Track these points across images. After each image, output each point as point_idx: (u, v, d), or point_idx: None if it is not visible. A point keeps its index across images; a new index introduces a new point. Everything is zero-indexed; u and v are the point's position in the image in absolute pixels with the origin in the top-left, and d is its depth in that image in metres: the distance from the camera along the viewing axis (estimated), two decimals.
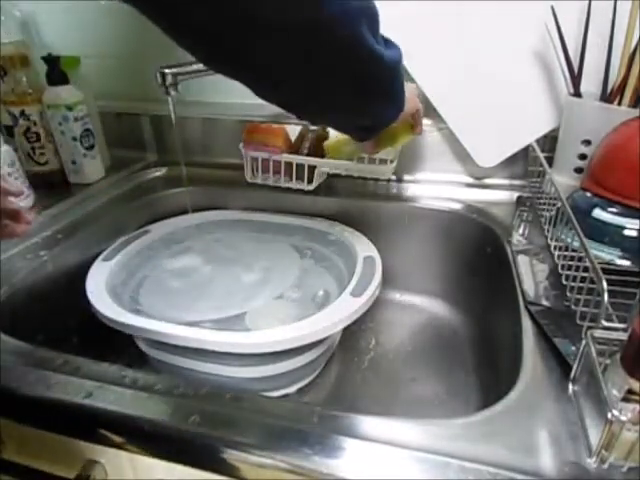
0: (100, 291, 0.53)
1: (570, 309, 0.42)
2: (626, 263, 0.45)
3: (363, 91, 0.40)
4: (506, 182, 0.71)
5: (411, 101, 0.56)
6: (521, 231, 0.60)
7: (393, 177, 0.73)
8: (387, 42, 0.39)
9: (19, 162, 0.67)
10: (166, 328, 0.48)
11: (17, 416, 0.40)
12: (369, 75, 0.38)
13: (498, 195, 0.69)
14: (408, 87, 0.50)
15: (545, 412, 0.35)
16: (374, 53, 0.36)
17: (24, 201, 0.64)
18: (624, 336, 0.33)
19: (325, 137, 0.72)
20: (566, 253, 0.47)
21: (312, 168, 0.69)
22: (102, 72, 0.83)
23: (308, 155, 0.69)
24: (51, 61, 0.69)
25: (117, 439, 0.37)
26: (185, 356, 0.52)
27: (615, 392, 0.31)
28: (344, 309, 0.48)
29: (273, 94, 0.38)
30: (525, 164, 0.68)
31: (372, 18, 0.35)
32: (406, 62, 0.64)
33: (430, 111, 0.68)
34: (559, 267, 0.47)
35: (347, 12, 0.32)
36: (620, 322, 0.36)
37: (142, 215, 0.73)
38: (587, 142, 0.55)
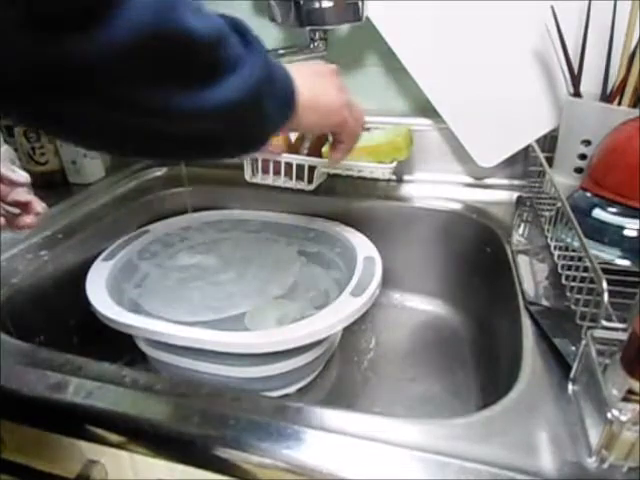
0: (100, 291, 0.53)
1: (570, 309, 0.42)
2: (626, 263, 0.45)
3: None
4: (506, 182, 0.71)
5: (331, 102, 0.43)
6: (521, 231, 0.60)
7: (393, 177, 0.73)
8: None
9: (19, 162, 0.67)
10: (166, 328, 0.48)
11: (17, 416, 0.40)
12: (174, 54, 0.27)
13: (498, 195, 0.69)
14: (326, 78, 0.43)
15: (545, 412, 0.35)
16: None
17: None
18: (624, 336, 0.33)
19: (325, 138, 0.72)
20: (566, 253, 0.47)
21: (312, 168, 0.69)
22: None
23: (308, 155, 0.69)
24: None
25: (117, 439, 0.37)
26: (185, 356, 0.52)
27: (615, 392, 0.31)
28: (344, 309, 0.48)
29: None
30: (525, 164, 0.68)
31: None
32: (406, 62, 0.65)
33: (430, 111, 0.68)
34: (559, 267, 0.47)
35: None
36: (620, 322, 0.36)
37: (142, 215, 0.73)
38: (587, 142, 0.55)
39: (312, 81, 0.41)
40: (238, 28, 0.32)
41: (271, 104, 0.34)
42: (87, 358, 0.42)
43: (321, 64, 0.47)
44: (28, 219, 0.47)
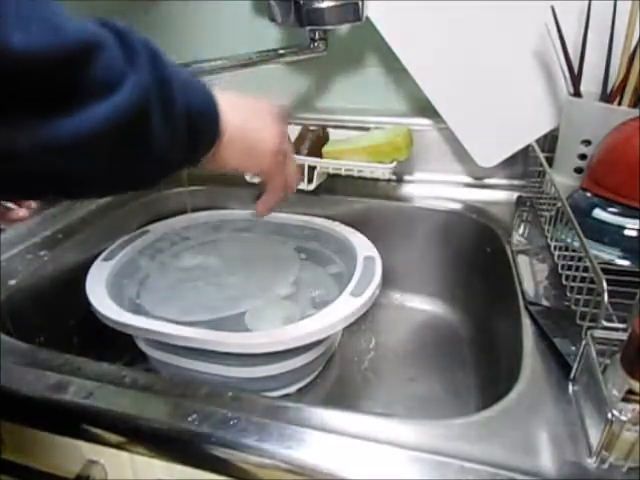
0: (100, 291, 0.53)
1: (570, 309, 0.42)
2: (626, 263, 0.45)
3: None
4: (506, 182, 0.71)
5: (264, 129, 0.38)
6: (521, 231, 0.60)
7: (393, 177, 0.73)
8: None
9: None
10: (166, 328, 0.48)
11: (17, 416, 0.40)
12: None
13: (498, 195, 0.69)
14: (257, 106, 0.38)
15: (545, 412, 0.35)
16: None
17: None
18: (624, 336, 0.33)
19: (326, 138, 0.72)
20: (566, 253, 0.47)
21: (312, 168, 0.69)
22: None
23: (308, 155, 0.69)
24: None
25: (117, 439, 0.37)
26: (185, 356, 0.52)
27: (615, 392, 0.31)
28: (344, 309, 0.48)
29: None
30: (525, 164, 0.68)
31: None
32: (406, 62, 0.65)
33: (430, 111, 0.68)
34: (559, 267, 0.47)
35: None
36: (620, 322, 0.36)
37: (142, 215, 0.73)
38: (587, 142, 0.55)
39: (247, 112, 0.37)
40: (121, 38, 0.27)
41: (169, 131, 0.29)
42: (87, 358, 0.42)
43: (270, 103, 0.41)
44: (21, 212, 0.48)
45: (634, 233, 0.45)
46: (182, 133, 0.30)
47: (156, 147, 0.29)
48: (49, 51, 0.23)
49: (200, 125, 0.32)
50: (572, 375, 0.38)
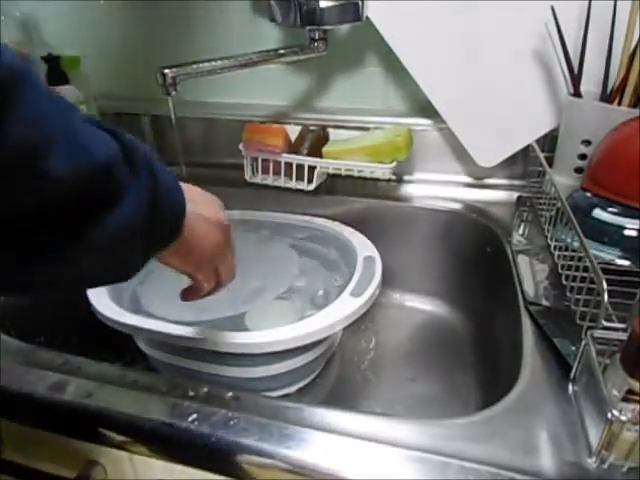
0: (100, 291, 0.53)
1: (570, 309, 0.42)
2: (626, 263, 0.45)
3: None
4: (506, 182, 0.71)
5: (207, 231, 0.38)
6: (521, 231, 0.60)
7: (393, 177, 0.73)
8: None
9: None
10: (166, 328, 0.48)
11: (17, 416, 0.40)
12: None
13: (498, 195, 0.69)
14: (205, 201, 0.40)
15: (545, 412, 0.35)
16: None
17: None
18: (624, 336, 0.33)
19: (326, 138, 0.72)
20: (566, 253, 0.47)
21: (312, 168, 0.69)
22: (102, 72, 0.83)
23: (308, 155, 0.69)
24: (51, 61, 0.69)
25: (117, 439, 0.37)
26: (185, 356, 0.52)
27: (615, 392, 0.31)
28: (344, 309, 0.48)
29: None
30: (525, 164, 0.68)
31: None
32: (406, 62, 0.65)
33: (430, 111, 0.68)
34: (559, 267, 0.47)
35: None
36: (620, 322, 0.36)
37: None
38: (587, 142, 0.55)
39: (198, 217, 0.37)
40: (128, 152, 0.29)
41: (159, 231, 0.31)
42: (87, 358, 0.42)
43: (219, 209, 0.42)
44: None
45: (634, 233, 0.45)
46: (165, 233, 0.33)
47: (147, 247, 0.31)
48: (83, 174, 0.24)
49: (170, 225, 0.33)
50: (572, 375, 0.38)
